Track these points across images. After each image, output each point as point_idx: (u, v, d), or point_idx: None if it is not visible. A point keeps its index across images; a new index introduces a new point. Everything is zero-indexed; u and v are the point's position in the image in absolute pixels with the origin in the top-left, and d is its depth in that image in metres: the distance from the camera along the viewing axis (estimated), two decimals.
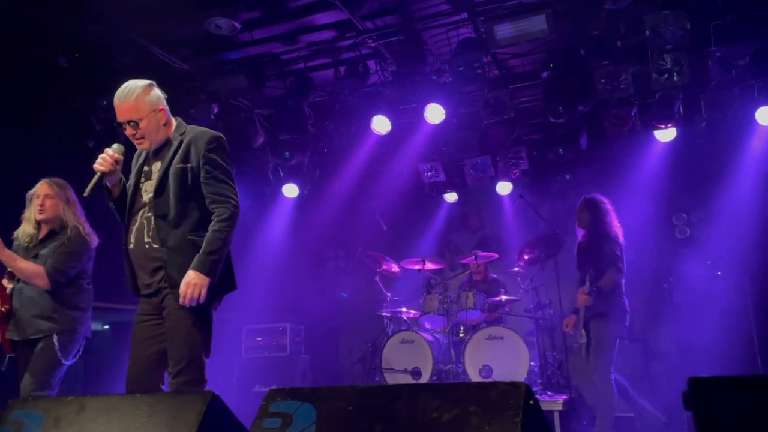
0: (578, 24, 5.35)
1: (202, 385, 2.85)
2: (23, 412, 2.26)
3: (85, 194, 2.90)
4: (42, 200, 3.81)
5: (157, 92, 2.98)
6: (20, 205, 3.96)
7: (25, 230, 3.83)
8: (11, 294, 3.73)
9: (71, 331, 3.68)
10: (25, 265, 3.66)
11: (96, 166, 2.90)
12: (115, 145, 2.96)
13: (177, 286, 2.79)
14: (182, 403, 2.06)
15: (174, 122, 3.05)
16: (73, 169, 5.76)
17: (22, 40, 5.12)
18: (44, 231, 3.82)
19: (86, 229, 3.86)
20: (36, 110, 5.83)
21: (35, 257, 3.73)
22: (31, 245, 3.79)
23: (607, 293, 4.69)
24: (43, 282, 3.63)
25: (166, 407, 2.07)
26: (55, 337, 3.62)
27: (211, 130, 3.03)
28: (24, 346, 3.67)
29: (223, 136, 3.03)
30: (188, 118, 5.96)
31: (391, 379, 6.11)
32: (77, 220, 3.85)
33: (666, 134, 6.45)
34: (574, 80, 5.68)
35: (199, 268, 2.76)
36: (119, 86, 2.98)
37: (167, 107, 3.01)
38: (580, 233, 5.06)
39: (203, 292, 2.76)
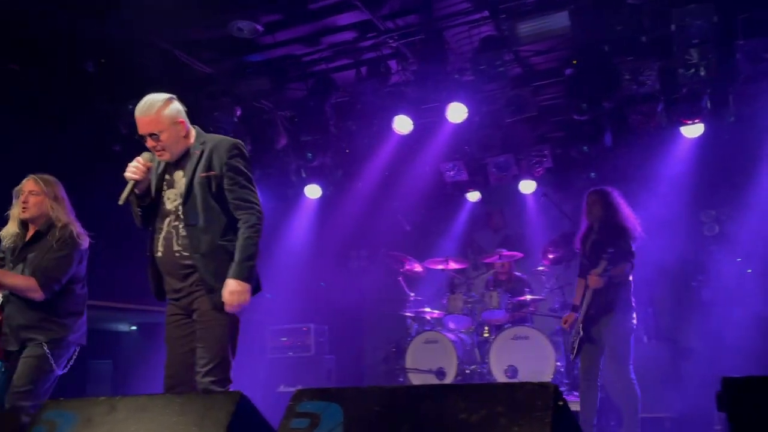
0: (601, 19, 5.28)
1: (227, 385, 2.93)
2: (56, 412, 2.30)
3: (120, 202, 2.96)
4: (26, 197, 3.54)
5: (176, 105, 3.04)
6: None
7: (9, 229, 3.57)
8: (2, 304, 3.50)
9: (62, 340, 3.48)
10: (15, 281, 3.41)
11: (128, 174, 2.96)
12: (145, 153, 3.03)
13: (212, 290, 2.91)
14: (211, 403, 2.08)
15: (193, 132, 3.10)
16: (100, 172, 5.87)
17: (50, 46, 5.22)
18: (31, 231, 3.58)
19: (77, 228, 3.59)
20: (64, 114, 5.94)
21: (23, 261, 3.49)
22: (17, 247, 3.54)
23: (616, 287, 4.50)
24: (37, 295, 3.38)
25: (195, 407, 2.09)
26: (45, 346, 3.41)
27: (230, 138, 3.13)
28: (17, 354, 3.44)
29: (242, 142, 3.13)
30: (211, 121, 6.09)
31: (416, 379, 6.10)
32: (66, 219, 3.58)
33: (693, 130, 6.33)
34: (598, 77, 5.61)
35: (238, 276, 2.88)
36: (144, 90, 3.04)
37: (186, 119, 3.08)
38: (584, 226, 4.86)
39: (246, 297, 2.90)
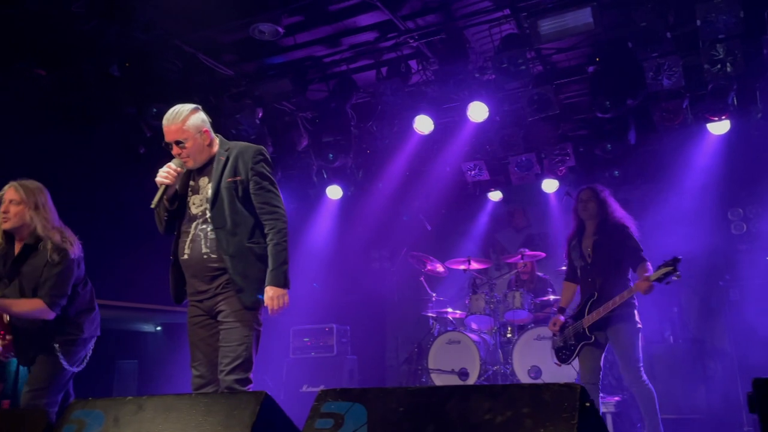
0: (625, 15, 5.21)
1: (249, 384, 3.01)
2: (84, 411, 2.33)
3: (153, 206, 3.10)
4: (6, 206, 3.40)
5: (201, 115, 3.18)
6: (73, 210, 3.87)
7: None
8: (10, 322, 3.46)
9: (76, 339, 3.50)
10: (23, 308, 3.35)
11: (160, 179, 3.07)
12: (177, 160, 3.12)
13: (240, 290, 3.02)
14: (236, 403, 2.09)
15: (217, 141, 3.23)
16: (126, 175, 5.96)
17: (77, 51, 5.31)
18: (18, 245, 3.45)
19: (64, 235, 3.47)
20: (90, 118, 6.04)
21: (18, 275, 3.42)
22: (7, 262, 3.43)
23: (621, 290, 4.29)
24: (47, 315, 3.35)
25: (221, 407, 2.11)
26: (56, 346, 3.42)
27: (254, 144, 3.27)
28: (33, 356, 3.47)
29: (265, 148, 3.26)
30: (233, 123, 6.13)
31: (439, 380, 6.08)
32: (50, 227, 3.43)
33: (719, 127, 6.23)
34: (622, 74, 5.54)
35: (276, 283, 3.03)
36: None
37: (210, 129, 3.21)
38: (573, 225, 4.59)
39: (286, 300, 3.06)
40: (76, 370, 3.52)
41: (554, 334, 4.58)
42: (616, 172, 7.12)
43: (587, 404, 1.71)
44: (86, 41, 5.27)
